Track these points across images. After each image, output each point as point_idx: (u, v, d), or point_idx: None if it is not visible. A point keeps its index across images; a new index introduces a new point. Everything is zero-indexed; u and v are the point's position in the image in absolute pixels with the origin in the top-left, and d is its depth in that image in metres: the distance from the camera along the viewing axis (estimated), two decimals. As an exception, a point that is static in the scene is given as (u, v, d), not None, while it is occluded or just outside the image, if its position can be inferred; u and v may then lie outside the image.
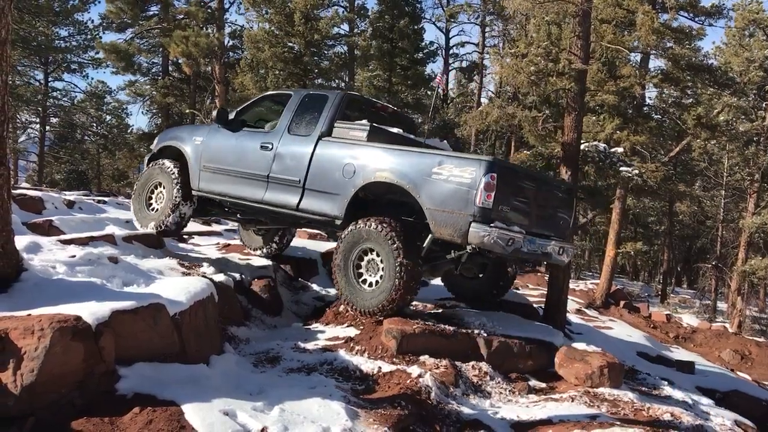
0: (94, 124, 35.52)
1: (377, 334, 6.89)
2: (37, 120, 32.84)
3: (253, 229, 9.80)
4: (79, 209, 10.28)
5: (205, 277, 7.01)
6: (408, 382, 5.80)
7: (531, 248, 6.72)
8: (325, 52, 23.38)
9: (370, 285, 6.95)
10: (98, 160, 36.14)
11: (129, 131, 34.37)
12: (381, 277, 6.82)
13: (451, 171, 6.46)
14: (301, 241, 12.22)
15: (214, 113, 8.61)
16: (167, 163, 8.71)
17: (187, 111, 28.76)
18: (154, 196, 8.82)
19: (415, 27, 26.95)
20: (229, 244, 10.88)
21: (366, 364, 6.23)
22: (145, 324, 4.73)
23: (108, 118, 34.99)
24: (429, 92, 31.92)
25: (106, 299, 4.74)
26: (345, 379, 5.88)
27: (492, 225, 6.15)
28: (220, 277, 7.47)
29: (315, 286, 9.88)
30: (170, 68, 29.32)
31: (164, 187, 8.67)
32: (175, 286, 5.59)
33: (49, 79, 32.17)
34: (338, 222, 7.31)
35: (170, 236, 8.93)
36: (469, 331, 7.01)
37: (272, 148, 7.91)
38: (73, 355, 4.12)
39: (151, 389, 4.41)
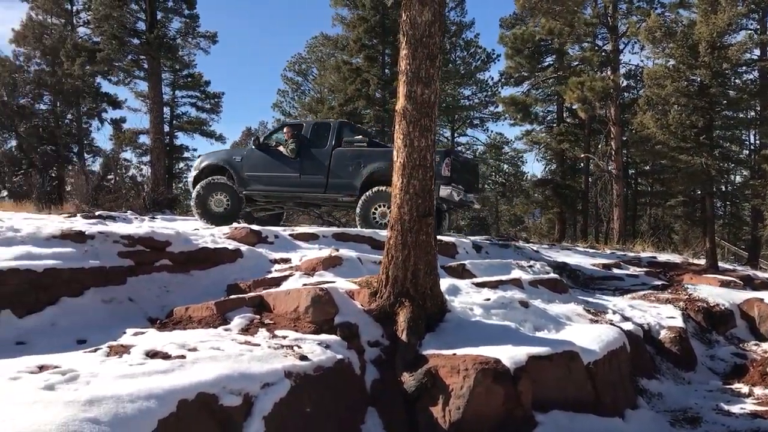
0: (493, 173, 37.88)
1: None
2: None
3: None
4: (486, 253, 10.88)
5: (614, 325, 6.74)
6: None
7: (465, 199, 11.39)
8: (735, 81, 21.22)
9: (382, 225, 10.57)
10: (497, 206, 38.32)
11: (524, 178, 35.85)
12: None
13: None
14: (711, 289, 11.06)
15: (252, 140, 12.84)
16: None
17: (582, 155, 28.81)
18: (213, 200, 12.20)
19: None
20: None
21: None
22: (559, 371, 4.70)
23: (505, 166, 37.07)
24: None
25: (521, 344, 4.84)
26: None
27: (450, 186, 10.74)
28: (628, 326, 7.12)
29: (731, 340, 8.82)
30: (564, 114, 29.83)
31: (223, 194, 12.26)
32: (587, 334, 5.47)
33: (455, 134, 35.49)
34: (355, 195, 11.35)
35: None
36: None
37: (300, 158, 11.87)
38: (494, 396, 4.26)
39: (567, 439, 4.32)
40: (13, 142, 28.59)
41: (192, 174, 13.08)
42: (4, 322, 4.65)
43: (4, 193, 26.87)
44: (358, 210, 11.11)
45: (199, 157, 14.12)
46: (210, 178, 12.28)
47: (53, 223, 7.06)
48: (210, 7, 57.61)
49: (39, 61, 28.56)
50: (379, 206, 10.95)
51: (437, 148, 12.84)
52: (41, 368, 3.46)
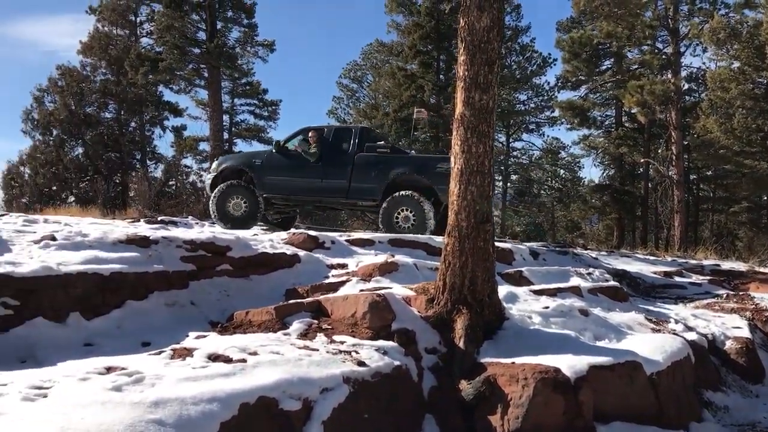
0: (549, 179, 37.39)
1: None
2: (500, 177, 36.07)
3: None
4: (543, 260, 10.74)
5: (676, 335, 6.55)
6: None
7: None
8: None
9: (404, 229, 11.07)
10: (553, 212, 37.81)
11: (581, 184, 35.29)
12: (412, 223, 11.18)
13: (447, 165, 10.69)
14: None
15: (273, 145, 12.74)
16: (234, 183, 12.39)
17: (641, 160, 28.18)
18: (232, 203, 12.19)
19: None
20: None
21: None
22: (621, 381, 4.59)
23: (562, 172, 36.55)
24: None
25: (581, 353, 4.75)
26: None
27: None
28: (692, 336, 6.90)
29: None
30: (623, 119, 29.25)
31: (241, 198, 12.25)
32: (649, 344, 5.34)
33: (510, 140, 35.19)
34: (377, 200, 11.58)
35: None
36: None
37: (322, 163, 12.00)
38: (554, 406, 4.19)
39: (629, 451, 4.22)
40: (80, 150, 29.67)
41: (209, 176, 13.08)
42: (73, 324, 4.82)
43: (71, 198, 27.87)
44: (381, 214, 11.41)
45: (216, 159, 14.27)
46: (229, 181, 12.34)
47: (119, 228, 7.28)
48: (267, 15, 58.66)
49: (104, 71, 29.60)
50: (402, 210, 11.24)
51: None
52: (109, 369, 3.58)
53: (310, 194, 12.23)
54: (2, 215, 9.30)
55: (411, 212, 11.19)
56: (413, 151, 16.41)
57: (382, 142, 12.68)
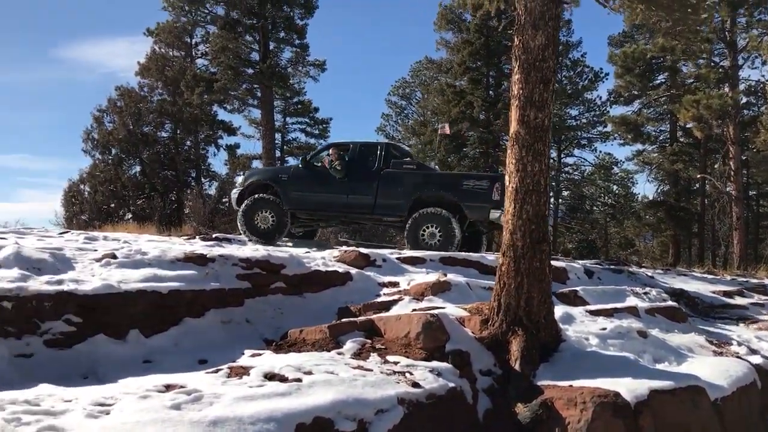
0: (602, 195, 36.74)
1: None
2: (551, 193, 35.60)
3: None
4: (598, 279, 10.52)
5: (740, 358, 6.33)
6: None
7: None
8: None
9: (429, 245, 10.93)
10: (606, 228, 37.10)
11: (635, 200, 34.60)
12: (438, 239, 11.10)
13: (474, 182, 11.36)
14: None
15: (300, 160, 13.02)
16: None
17: (697, 176, 27.48)
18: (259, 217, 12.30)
19: None
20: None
21: None
22: (683, 407, 4.45)
23: (615, 188, 35.89)
24: None
25: (641, 376, 4.63)
26: None
27: (499, 210, 9.90)
28: (756, 359, 6.64)
29: None
30: (678, 134, 28.62)
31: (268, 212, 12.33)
32: (712, 368, 5.17)
33: (562, 155, 34.75)
34: (402, 216, 11.62)
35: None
36: None
37: (347, 179, 12.01)
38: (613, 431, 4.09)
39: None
40: (138, 168, 30.41)
41: (235, 191, 13.29)
42: (132, 341, 4.92)
43: (129, 215, 28.57)
44: (407, 231, 11.41)
45: (243, 173, 14.37)
46: (256, 195, 12.44)
47: (176, 246, 7.43)
48: (318, 35, 59.56)
49: (161, 92, 30.36)
50: (428, 227, 11.23)
51: (485, 173, 14.14)
52: (168, 387, 3.63)
53: (336, 209, 12.30)
54: (64, 232, 9.62)
55: (437, 229, 11.18)
56: (437, 167, 16.56)
57: (408, 159, 12.81)
